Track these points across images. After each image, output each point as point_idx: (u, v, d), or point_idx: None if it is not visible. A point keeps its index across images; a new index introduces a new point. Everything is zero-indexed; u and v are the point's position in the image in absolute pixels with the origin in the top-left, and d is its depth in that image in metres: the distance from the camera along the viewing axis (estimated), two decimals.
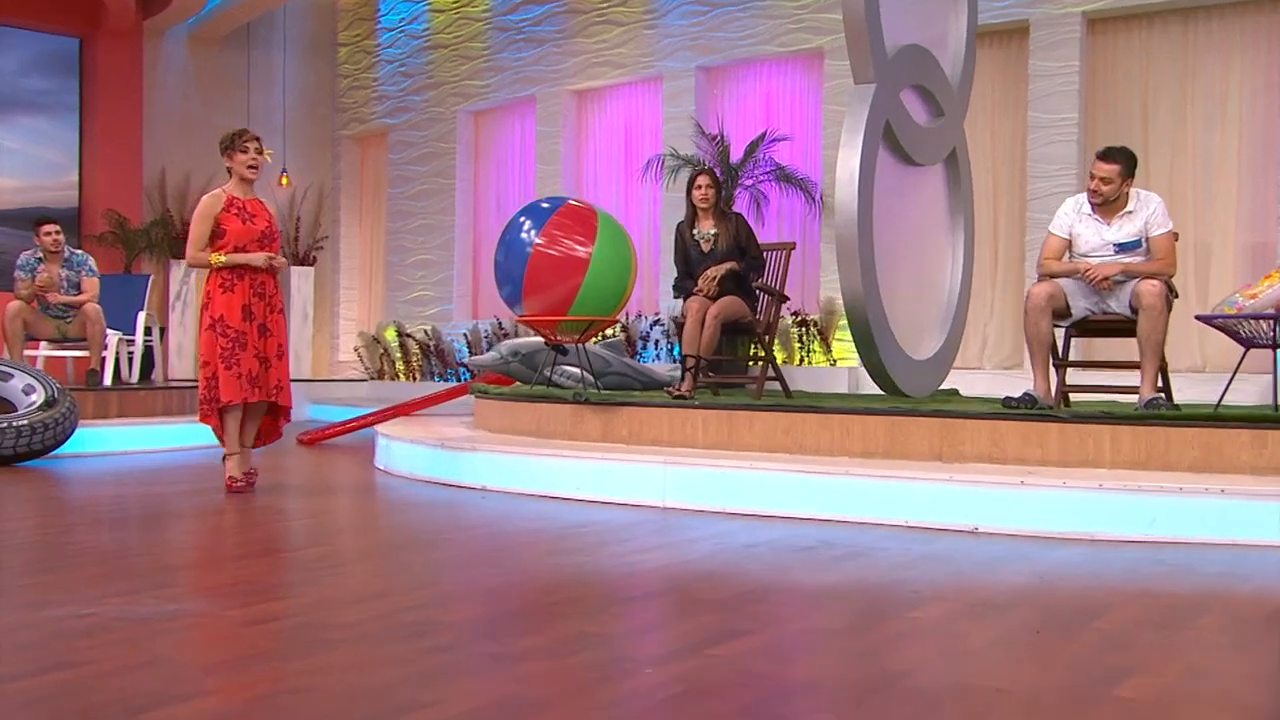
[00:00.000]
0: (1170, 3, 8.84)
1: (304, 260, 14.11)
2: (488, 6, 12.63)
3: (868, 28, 5.91)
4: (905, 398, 6.22)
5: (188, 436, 8.43)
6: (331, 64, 14.52)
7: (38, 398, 7.27)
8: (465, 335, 12.34)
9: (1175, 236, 5.73)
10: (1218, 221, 8.80)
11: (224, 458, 5.61)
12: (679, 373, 8.61)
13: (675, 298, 7.10)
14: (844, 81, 9.87)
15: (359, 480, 6.66)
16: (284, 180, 14.10)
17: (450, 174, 12.92)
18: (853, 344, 6.25)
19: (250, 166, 5.49)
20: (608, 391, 6.65)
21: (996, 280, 9.57)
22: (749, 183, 9.90)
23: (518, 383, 8.49)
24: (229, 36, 13.66)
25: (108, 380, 9.08)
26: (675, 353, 10.48)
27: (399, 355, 13.08)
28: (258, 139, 5.55)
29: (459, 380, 12.38)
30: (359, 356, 13.69)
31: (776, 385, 6.56)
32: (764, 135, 9.89)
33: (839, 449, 5.37)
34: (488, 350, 11.91)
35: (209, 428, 5.60)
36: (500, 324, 11.99)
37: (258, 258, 5.46)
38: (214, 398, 5.39)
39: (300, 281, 14.01)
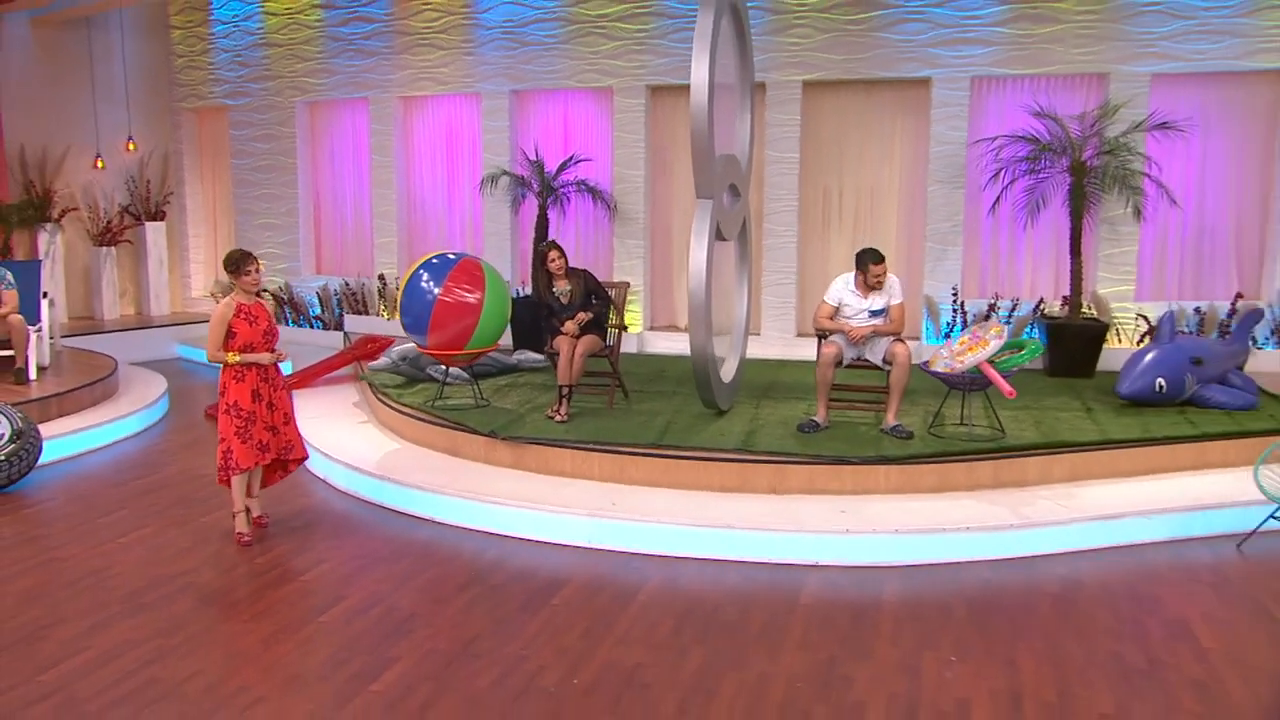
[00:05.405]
0: (856, 77, 9.30)
1: (155, 216, 12.49)
2: (320, 18, 11.25)
3: (710, 153, 5.96)
4: (723, 413, 6.60)
5: (127, 426, 7.64)
6: (166, 44, 12.54)
7: (4, 429, 6.27)
8: (317, 293, 11.49)
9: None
10: (881, 236, 9.55)
11: (234, 515, 5.24)
12: (526, 358, 8.59)
13: (546, 334, 7.04)
14: (629, 115, 9.82)
15: (323, 504, 5.89)
16: (130, 145, 12.30)
17: (291, 154, 11.67)
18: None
19: (252, 284, 5.21)
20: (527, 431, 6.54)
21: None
22: (563, 193, 9.70)
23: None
24: (68, 19, 11.47)
25: (32, 374, 7.93)
26: None
27: None
28: (256, 260, 5.24)
29: (311, 327, 11.62)
30: (214, 298, 12.39)
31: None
32: (573, 157, 9.65)
33: (703, 484, 5.64)
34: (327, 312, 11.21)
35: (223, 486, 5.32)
36: (347, 284, 11.26)
37: (264, 357, 5.20)
38: (231, 465, 5.14)
39: (155, 236, 12.43)
